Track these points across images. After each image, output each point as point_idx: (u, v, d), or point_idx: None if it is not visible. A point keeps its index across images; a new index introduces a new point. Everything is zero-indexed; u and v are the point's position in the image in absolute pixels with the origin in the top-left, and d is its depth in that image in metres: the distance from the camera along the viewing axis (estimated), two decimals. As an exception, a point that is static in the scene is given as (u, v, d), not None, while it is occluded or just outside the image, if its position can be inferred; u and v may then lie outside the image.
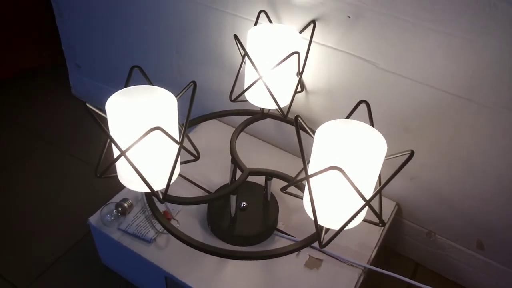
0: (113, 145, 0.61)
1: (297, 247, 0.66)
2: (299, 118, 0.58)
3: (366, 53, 0.79)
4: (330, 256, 0.81)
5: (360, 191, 0.55)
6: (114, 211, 0.82)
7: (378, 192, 0.57)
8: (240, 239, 0.81)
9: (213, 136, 1.06)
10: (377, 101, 0.83)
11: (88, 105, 0.58)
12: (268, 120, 0.90)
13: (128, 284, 0.92)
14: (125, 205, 0.84)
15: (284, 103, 0.84)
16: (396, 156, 0.58)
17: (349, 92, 0.86)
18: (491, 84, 0.70)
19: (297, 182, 0.62)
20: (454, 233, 0.90)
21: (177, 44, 1.04)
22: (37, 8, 1.34)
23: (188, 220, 0.85)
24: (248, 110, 0.90)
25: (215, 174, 0.95)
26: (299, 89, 0.90)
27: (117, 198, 0.86)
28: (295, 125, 0.58)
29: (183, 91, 0.65)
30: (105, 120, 0.60)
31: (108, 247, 0.88)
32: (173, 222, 0.83)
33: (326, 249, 0.81)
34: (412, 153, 0.55)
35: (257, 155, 1.01)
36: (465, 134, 0.77)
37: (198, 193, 0.91)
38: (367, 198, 0.56)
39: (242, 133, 1.05)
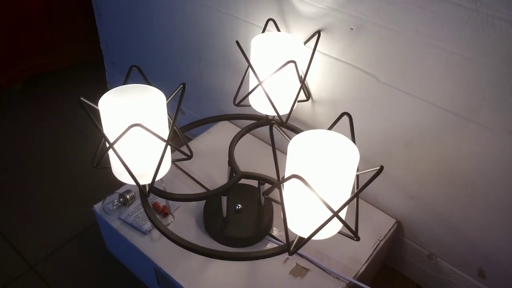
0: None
1: (267, 254, 0.66)
2: (274, 126, 0.59)
3: (368, 66, 0.79)
4: (317, 266, 0.80)
5: (331, 202, 0.56)
6: (116, 201, 0.87)
7: (346, 204, 0.57)
8: (229, 240, 0.82)
9: (225, 137, 1.08)
10: (379, 114, 0.82)
11: (82, 99, 0.63)
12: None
13: (127, 271, 0.97)
14: (127, 196, 0.88)
15: (287, 110, 0.85)
16: (367, 172, 0.57)
17: (352, 103, 0.85)
18: (490, 105, 0.67)
19: (272, 189, 0.63)
20: (455, 258, 0.86)
21: (198, 48, 1.08)
22: (81, 9, 1.45)
23: (185, 216, 0.88)
24: (254, 115, 0.92)
25: (220, 174, 0.98)
26: (304, 97, 0.91)
27: (122, 189, 0.91)
28: (270, 132, 0.60)
29: (174, 94, 0.68)
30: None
31: (110, 234, 0.93)
32: (169, 217, 0.87)
33: (314, 259, 0.81)
34: (381, 169, 0.54)
35: (260, 159, 1.01)
36: (465, 155, 0.74)
37: (200, 191, 0.94)
38: (340, 210, 0.56)
39: (250, 135, 1.07)
